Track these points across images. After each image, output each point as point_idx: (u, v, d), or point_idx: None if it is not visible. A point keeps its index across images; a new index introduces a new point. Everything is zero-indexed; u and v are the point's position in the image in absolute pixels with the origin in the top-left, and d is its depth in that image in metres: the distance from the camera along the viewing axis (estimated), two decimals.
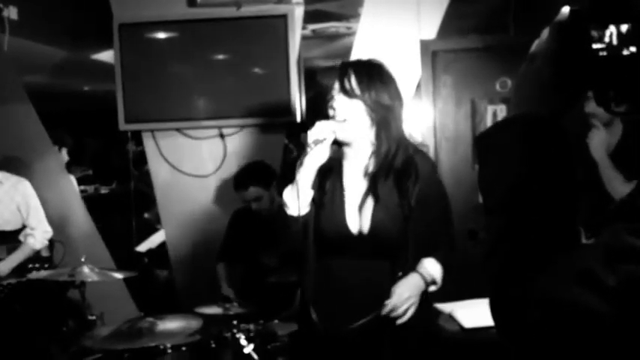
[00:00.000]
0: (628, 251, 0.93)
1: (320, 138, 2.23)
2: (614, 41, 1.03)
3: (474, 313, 3.00)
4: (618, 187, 3.02)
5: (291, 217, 2.28)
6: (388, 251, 2.32)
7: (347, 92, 2.27)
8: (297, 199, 2.25)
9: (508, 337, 1.06)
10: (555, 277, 0.97)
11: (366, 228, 2.31)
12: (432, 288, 2.37)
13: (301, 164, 2.24)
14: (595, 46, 1.04)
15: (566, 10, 1.08)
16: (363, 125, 2.29)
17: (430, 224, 2.36)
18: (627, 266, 0.92)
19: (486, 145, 1.13)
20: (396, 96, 2.33)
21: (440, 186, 2.45)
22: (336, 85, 2.29)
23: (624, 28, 1.02)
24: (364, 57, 2.43)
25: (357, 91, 2.27)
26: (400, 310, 2.26)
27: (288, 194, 2.30)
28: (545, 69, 1.08)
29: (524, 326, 1.00)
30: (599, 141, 3.10)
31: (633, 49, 1.02)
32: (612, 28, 1.03)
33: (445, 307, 3.06)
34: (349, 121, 2.27)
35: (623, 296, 0.92)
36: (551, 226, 1.01)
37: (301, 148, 2.34)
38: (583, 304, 0.92)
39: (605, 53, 1.03)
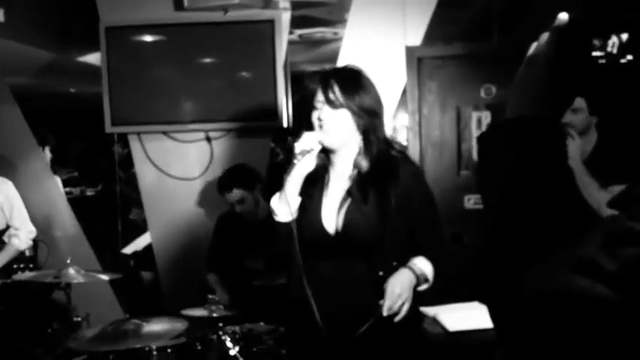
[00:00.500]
0: (628, 235, 0.94)
1: (307, 148, 2.29)
2: (614, 50, 1.06)
3: (458, 317, 3.04)
4: (594, 193, 3.07)
5: (279, 223, 2.34)
6: (364, 250, 2.34)
7: (332, 102, 2.32)
8: (285, 207, 2.32)
9: (500, 329, 1.07)
10: (552, 266, 0.98)
11: (340, 227, 2.35)
12: (424, 286, 2.37)
13: (289, 174, 2.30)
14: (595, 54, 1.06)
15: (564, 16, 1.10)
16: (348, 132, 2.35)
17: (415, 225, 2.39)
18: (628, 250, 0.93)
19: (485, 144, 1.17)
20: (379, 100, 2.40)
21: (425, 188, 2.48)
22: (320, 97, 2.34)
23: (624, 37, 1.05)
24: (342, 64, 2.50)
25: (342, 99, 2.31)
26: (395, 308, 2.26)
27: (276, 202, 2.35)
28: (543, 72, 1.11)
29: (518, 317, 1.02)
30: (575, 149, 3.15)
31: (630, 57, 1.05)
32: (614, 38, 1.05)
33: (429, 310, 3.09)
34: (335, 130, 2.32)
35: (624, 281, 0.93)
36: (544, 226, 1.03)
37: (288, 153, 2.39)
38: (584, 291, 0.93)
39: (604, 61, 1.06)
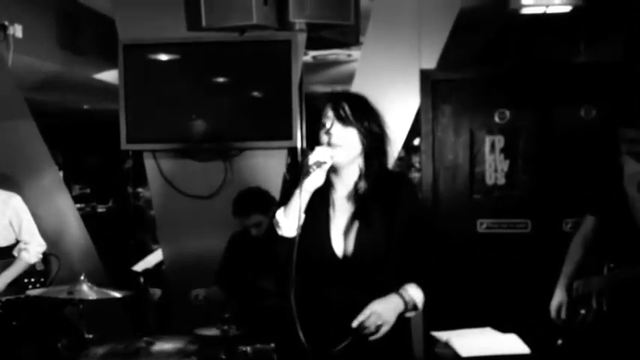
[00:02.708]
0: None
1: (321, 160, 2.28)
2: None
3: (470, 342, 3.02)
4: None
5: (282, 237, 2.32)
6: (372, 274, 2.35)
7: (342, 120, 2.35)
8: (291, 221, 2.29)
9: None
10: None
11: (350, 251, 2.35)
12: (411, 314, 2.37)
13: (301, 185, 2.28)
14: None
15: None
16: (355, 151, 2.37)
17: (415, 250, 2.40)
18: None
19: None
20: (384, 126, 2.43)
21: (426, 213, 2.52)
22: (331, 114, 2.36)
23: None
24: (350, 90, 2.56)
25: (352, 116, 2.35)
26: (371, 326, 2.26)
27: (281, 215, 2.33)
28: None
29: None
30: (631, 174, 3.14)
31: None
32: None
33: (442, 335, 3.07)
34: (344, 147, 2.34)
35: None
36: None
37: (297, 168, 2.39)
38: None
39: None
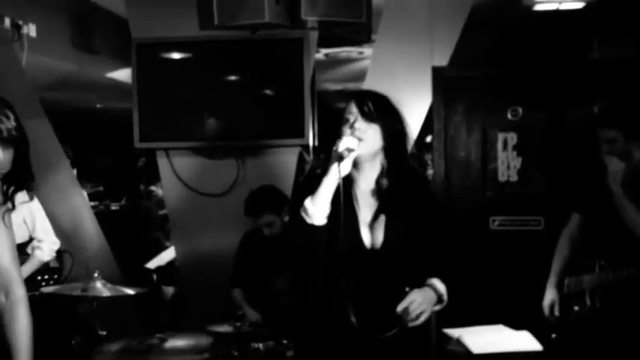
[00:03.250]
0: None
1: (350, 147, 2.32)
2: None
3: (482, 339, 3.02)
4: (633, 216, 3.08)
5: (311, 226, 2.34)
6: (399, 266, 2.44)
7: (367, 116, 2.41)
8: (321, 209, 2.32)
9: None
10: None
11: (378, 243, 2.43)
12: (438, 307, 2.46)
13: (331, 170, 2.31)
14: None
15: None
16: (377, 146, 2.44)
17: (433, 242, 2.50)
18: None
19: None
20: (406, 125, 2.51)
21: (440, 211, 2.65)
22: (355, 110, 2.43)
23: None
24: (371, 87, 2.61)
25: (375, 113, 2.42)
26: (413, 314, 2.34)
27: (310, 203, 2.35)
28: None
29: None
30: (615, 173, 3.16)
31: None
32: None
33: (454, 331, 3.08)
34: (366, 142, 2.40)
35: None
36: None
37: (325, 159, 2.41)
38: None
39: None
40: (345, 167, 2.33)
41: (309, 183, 2.44)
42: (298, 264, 2.62)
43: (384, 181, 2.47)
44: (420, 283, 2.45)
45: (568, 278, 3.41)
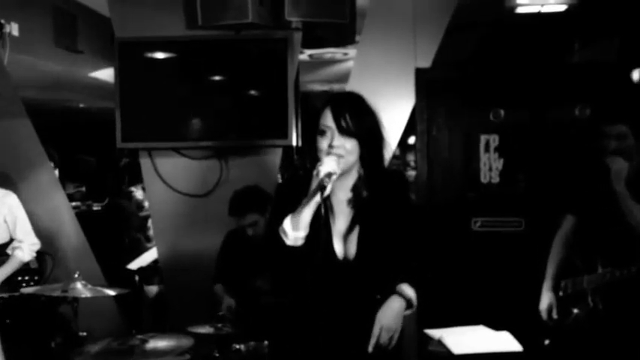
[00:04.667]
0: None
1: (332, 171, 2.27)
2: None
3: (463, 340, 3.04)
4: (638, 216, 3.08)
5: (289, 247, 2.31)
6: (373, 276, 2.39)
7: (343, 130, 2.33)
8: (298, 232, 2.29)
9: None
10: None
11: (351, 255, 2.38)
12: (408, 312, 2.40)
13: (313, 198, 2.27)
14: None
15: None
16: (354, 158, 2.37)
17: (404, 249, 2.45)
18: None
19: None
20: (382, 126, 2.44)
21: (415, 213, 2.57)
22: (332, 123, 2.34)
23: None
24: (344, 90, 2.55)
25: (352, 128, 2.34)
26: (385, 341, 2.32)
27: (289, 226, 2.31)
28: None
29: None
30: (619, 173, 3.16)
31: None
32: None
33: (435, 332, 3.09)
34: (346, 157, 2.34)
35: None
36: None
37: (296, 173, 2.39)
38: None
39: None
40: (326, 191, 2.27)
41: (281, 199, 2.42)
42: (276, 278, 2.61)
43: (364, 192, 2.41)
44: (392, 290, 2.40)
45: (565, 280, 3.39)
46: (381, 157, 2.44)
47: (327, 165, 2.27)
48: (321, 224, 2.36)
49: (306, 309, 2.38)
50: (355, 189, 2.42)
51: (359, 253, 2.37)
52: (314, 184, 2.28)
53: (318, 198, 2.27)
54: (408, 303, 2.38)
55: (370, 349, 2.30)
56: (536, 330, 3.40)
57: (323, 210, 2.30)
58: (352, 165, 2.38)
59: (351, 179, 2.42)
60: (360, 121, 2.35)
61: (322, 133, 2.35)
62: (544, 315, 3.40)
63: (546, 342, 3.37)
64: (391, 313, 2.34)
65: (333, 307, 2.37)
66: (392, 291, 2.39)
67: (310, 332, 2.36)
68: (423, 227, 2.56)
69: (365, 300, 2.39)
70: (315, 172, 2.28)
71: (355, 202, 2.41)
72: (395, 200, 2.43)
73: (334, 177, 2.28)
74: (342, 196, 2.43)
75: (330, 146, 2.33)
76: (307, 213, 2.28)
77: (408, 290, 2.39)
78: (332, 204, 2.43)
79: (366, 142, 2.36)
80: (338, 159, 2.31)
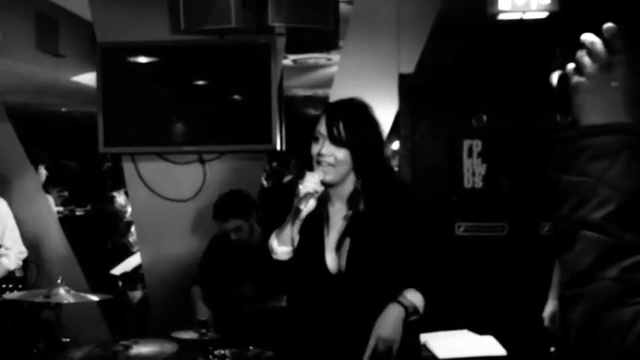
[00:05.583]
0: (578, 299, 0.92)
1: (311, 191, 2.25)
2: None
3: (448, 344, 3.05)
4: None
5: (277, 262, 2.32)
6: (367, 290, 2.33)
7: (335, 139, 2.28)
8: (284, 247, 2.30)
9: None
10: None
11: (343, 267, 2.33)
12: (413, 317, 2.33)
13: (293, 217, 2.26)
14: None
15: (612, 25, 1.10)
16: (345, 169, 2.32)
17: (415, 261, 2.37)
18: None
19: (579, 148, 1.04)
20: (381, 136, 2.38)
21: (426, 223, 2.45)
22: (324, 131, 2.30)
23: None
24: (346, 96, 2.45)
25: (345, 138, 2.28)
26: (382, 352, 2.25)
27: (274, 241, 2.32)
28: (631, 77, 1.07)
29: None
30: None
31: None
32: None
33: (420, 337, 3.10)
34: (335, 167, 2.30)
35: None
36: None
37: (283, 188, 2.39)
38: None
39: None
40: (307, 207, 2.27)
41: (264, 208, 2.41)
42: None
43: (360, 202, 2.34)
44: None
45: None
46: (380, 170, 2.36)
47: (308, 184, 2.24)
48: (313, 237, 2.35)
49: (299, 321, 2.38)
50: (351, 200, 2.35)
51: (348, 265, 2.31)
52: (295, 204, 2.26)
53: (299, 218, 2.27)
54: (413, 310, 2.30)
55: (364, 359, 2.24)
56: (542, 337, 3.39)
57: (315, 222, 2.29)
58: (345, 175, 2.32)
59: (347, 190, 2.36)
60: (355, 131, 2.28)
61: (315, 139, 2.31)
62: (547, 322, 3.40)
63: (552, 349, 3.36)
64: (388, 323, 2.26)
65: (325, 320, 2.34)
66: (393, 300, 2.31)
67: (304, 345, 2.35)
68: (436, 241, 2.47)
69: (357, 313, 2.32)
70: (297, 189, 2.25)
71: (351, 214, 2.35)
72: (401, 214, 2.34)
73: (317, 195, 2.26)
74: (339, 206, 2.39)
75: (319, 154, 2.29)
76: (290, 229, 2.27)
77: (411, 296, 2.31)
78: (329, 214, 2.39)
79: (359, 154, 2.28)
80: (324, 173, 2.27)
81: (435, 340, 3.08)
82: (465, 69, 4.90)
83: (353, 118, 2.32)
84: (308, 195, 2.24)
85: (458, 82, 4.88)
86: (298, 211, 2.24)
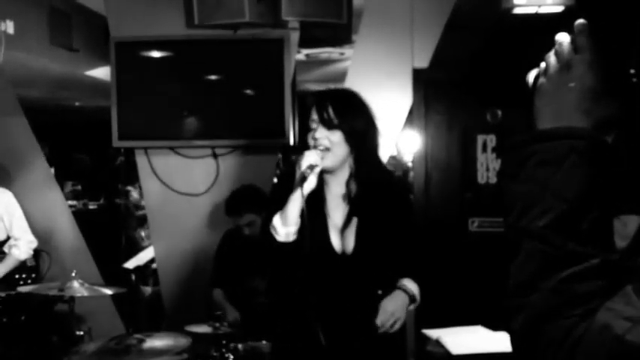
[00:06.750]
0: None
1: (313, 163, 2.29)
2: None
3: (461, 340, 3.04)
4: None
5: (280, 244, 2.34)
6: (371, 270, 2.42)
7: (326, 123, 2.36)
8: (288, 227, 2.32)
9: None
10: (619, 317, 0.87)
11: (349, 248, 2.40)
12: (412, 306, 2.46)
13: (295, 191, 2.29)
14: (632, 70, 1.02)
15: (583, 22, 1.08)
16: (342, 153, 2.39)
17: (406, 245, 2.49)
18: None
19: (527, 154, 1.02)
20: (372, 123, 2.44)
21: (411, 210, 2.63)
22: (315, 116, 2.38)
23: None
24: (337, 86, 2.62)
25: (335, 121, 2.36)
26: (387, 325, 2.36)
27: (278, 222, 2.34)
28: (589, 76, 1.03)
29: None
30: None
31: None
32: None
33: (433, 332, 3.09)
34: (330, 150, 2.36)
35: None
36: (612, 258, 0.94)
37: (289, 172, 2.42)
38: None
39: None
40: (309, 184, 2.31)
41: (275, 197, 2.44)
42: (273, 275, 2.63)
43: (353, 186, 2.43)
44: (393, 285, 2.44)
45: None
46: (371, 153, 2.44)
47: (308, 157, 2.30)
48: (316, 219, 2.38)
49: (303, 304, 2.39)
50: (347, 184, 2.44)
51: (357, 246, 2.39)
52: (297, 177, 2.31)
53: (302, 191, 2.30)
54: (412, 298, 2.43)
55: (377, 322, 2.35)
56: None
57: (305, 210, 2.31)
58: (342, 159, 2.40)
59: (345, 174, 2.44)
60: (344, 114, 2.37)
61: (310, 128, 2.39)
62: None
63: None
64: (396, 301, 2.39)
65: (331, 301, 2.39)
66: (392, 286, 2.44)
67: (308, 327, 2.37)
68: (419, 229, 2.62)
69: (363, 293, 2.42)
70: (297, 166, 2.31)
71: (348, 197, 2.43)
72: (391, 199, 2.45)
73: (317, 169, 2.31)
74: (336, 190, 2.46)
75: (314, 138, 2.36)
76: (293, 207, 2.30)
77: (411, 285, 2.44)
78: (327, 198, 2.45)
79: (351, 136, 2.36)
80: (322, 152, 2.33)
81: (448, 336, 3.07)
82: (480, 63, 4.87)
83: (341, 101, 2.42)
84: (310, 167, 2.29)
85: (472, 76, 4.85)
86: (304, 179, 2.28)
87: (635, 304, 0.87)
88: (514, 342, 0.98)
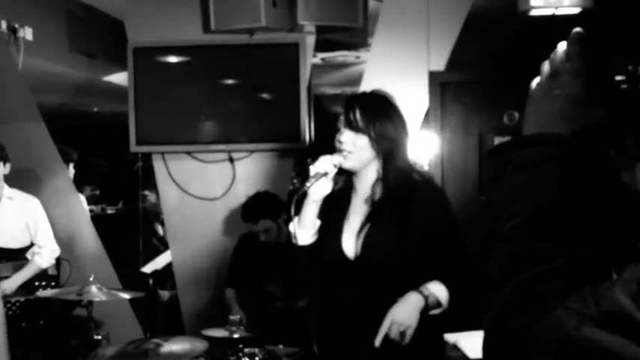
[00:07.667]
0: None
1: (321, 172, 2.31)
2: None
3: (479, 344, 3.01)
4: None
5: (299, 247, 2.37)
6: (382, 275, 2.34)
7: (352, 126, 2.35)
8: (304, 230, 2.36)
9: None
10: (574, 316, 0.89)
11: (359, 251, 2.37)
12: (436, 311, 2.32)
13: (305, 197, 2.33)
14: (618, 77, 1.02)
15: (578, 31, 1.09)
16: (368, 157, 2.37)
17: (438, 253, 2.36)
18: None
19: (507, 160, 1.05)
20: (401, 127, 2.40)
21: (448, 215, 2.46)
22: (342, 118, 2.37)
23: None
24: (369, 89, 2.51)
25: (362, 125, 2.34)
26: (395, 336, 2.23)
27: (295, 226, 2.38)
28: (574, 84, 1.05)
29: None
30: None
31: None
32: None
33: (450, 336, 3.07)
34: (354, 153, 2.35)
35: None
36: (576, 259, 0.96)
37: (304, 179, 2.45)
38: (608, 346, 0.86)
39: (626, 86, 1.02)
40: (321, 189, 2.32)
41: (292, 201, 2.44)
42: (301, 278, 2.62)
43: (378, 190, 2.39)
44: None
45: None
46: (399, 159, 2.37)
47: (319, 165, 2.32)
48: (333, 223, 2.38)
49: (317, 307, 2.41)
50: (373, 187, 2.41)
51: (364, 251, 2.35)
52: (308, 182, 2.33)
53: (314, 197, 2.34)
54: (435, 302, 2.29)
55: (377, 343, 2.23)
56: None
57: (338, 207, 2.32)
58: (366, 162, 2.37)
59: (371, 177, 2.41)
60: (371, 117, 2.34)
61: (337, 130, 2.39)
62: None
63: None
64: (404, 308, 2.25)
65: (338, 307, 2.38)
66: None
67: (322, 331, 2.38)
68: (458, 235, 2.45)
69: (372, 299, 2.33)
70: (309, 170, 2.34)
71: (371, 201, 2.40)
72: (419, 208, 2.35)
73: (329, 175, 2.32)
74: (362, 193, 2.44)
75: (339, 141, 2.36)
76: (308, 211, 2.35)
77: (434, 288, 2.30)
78: (353, 202, 2.44)
79: (377, 141, 2.33)
80: (344, 159, 2.33)
81: (466, 340, 3.05)
82: (496, 65, 4.85)
83: (370, 106, 2.39)
84: (317, 175, 2.30)
85: (489, 78, 4.83)
86: (306, 188, 2.31)
87: (588, 304, 0.89)
88: (483, 338, 1.01)
